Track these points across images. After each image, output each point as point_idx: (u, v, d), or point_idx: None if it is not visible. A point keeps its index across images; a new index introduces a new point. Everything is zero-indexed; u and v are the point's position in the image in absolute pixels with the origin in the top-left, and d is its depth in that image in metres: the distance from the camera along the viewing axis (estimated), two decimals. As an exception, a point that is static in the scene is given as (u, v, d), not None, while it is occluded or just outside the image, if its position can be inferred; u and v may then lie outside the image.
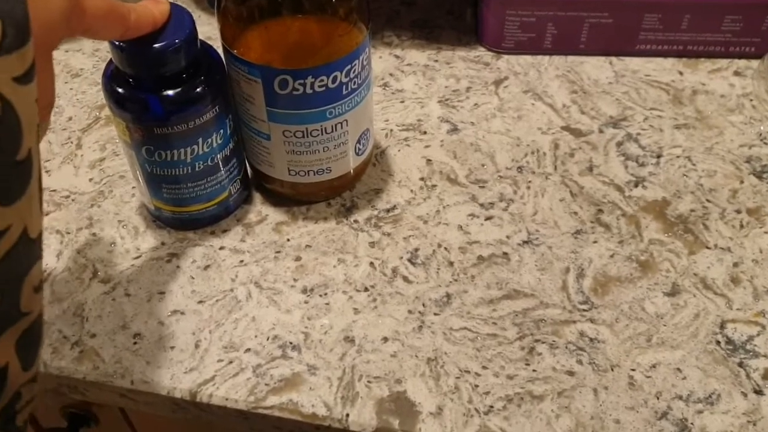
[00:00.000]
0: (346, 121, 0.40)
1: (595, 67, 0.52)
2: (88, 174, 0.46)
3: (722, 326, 0.38)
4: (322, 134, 0.40)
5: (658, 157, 0.46)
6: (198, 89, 0.37)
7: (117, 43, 0.35)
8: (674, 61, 0.52)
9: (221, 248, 0.42)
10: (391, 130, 0.48)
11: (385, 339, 0.38)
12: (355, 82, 0.39)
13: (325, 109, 0.39)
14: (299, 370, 0.37)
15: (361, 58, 0.38)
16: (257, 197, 0.45)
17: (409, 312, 0.39)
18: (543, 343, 0.37)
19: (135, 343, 0.38)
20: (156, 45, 0.35)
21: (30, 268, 0.23)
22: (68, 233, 0.43)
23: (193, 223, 0.43)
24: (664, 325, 0.38)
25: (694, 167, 0.45)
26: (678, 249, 0.41)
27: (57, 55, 0.54)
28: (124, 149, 0.40)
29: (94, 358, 0.38)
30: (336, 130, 0.40)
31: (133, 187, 0.45)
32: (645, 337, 0.37)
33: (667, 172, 0.45)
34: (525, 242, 0.42)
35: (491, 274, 0.40)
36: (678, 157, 0.46)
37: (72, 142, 0.48)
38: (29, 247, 0.22)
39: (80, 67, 0.53)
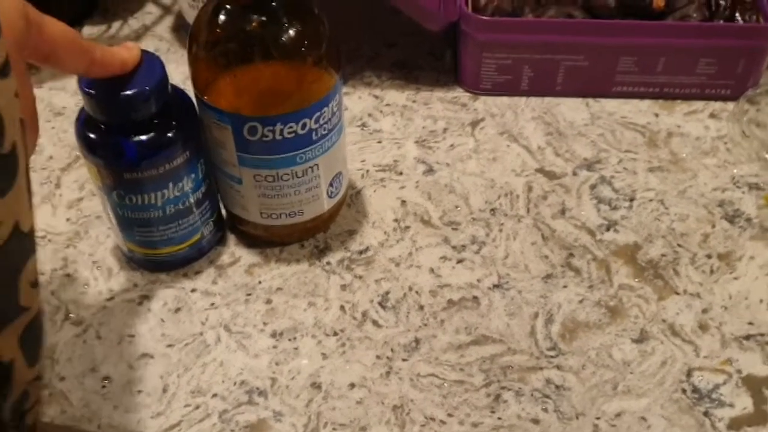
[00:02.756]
0: (317, 165, 0.40)
1: (571, 109, 0.52)
2: (65, 214, 0.47)
3: (689, 374, 0.38)
4: (293, 178, 0.40)
5: (631, 200, 0.46)
6: (169, 134, 0.38)
7: (87, 89, 0.36)
8: (650, 102, 0.52)
9: (193, 290, 0.42)
10: (368, 171, 0.49)
11: (352, 385, 0.38)
12: (325, 128, 0.39)
13: (295, 154, 0.39)
14: (265, 416, 0.37)
15: (331, 105, 0.39)
16: (231, 238, 0.45)
17: (377, 357, 0.39)
18: (509, 390, 0.37)
19: (104, 386, 0.38)
20: (126, 92, 0.36)
21: (25, 262, 0.23)
22: (42, 274, 0.43)
23: (165, 266, 0.43)
24: (631, 373, 0.38)
25: (667, 211, 0.45)
26: (647, 294, 0.41)
27: (40, 93, 0.55)
28: (97, 192, 0.40)
29: (62, 402, 0.38)
30: (307, 174, 0.40)
31: (109, 228, 0.45)
32: (611, 385, 0.37)
33: (640, 216, 0.45)
34: (495, 286, 0.42)
35: (461, 318, 0.40)
36: (651, 200, 0.46)
37: (51, 182, 0.49)
38: (22, 241, 0.23)
39: (63, 106, 0.54)
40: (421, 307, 0.41)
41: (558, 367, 0.38)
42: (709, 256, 0.43)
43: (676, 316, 0.40)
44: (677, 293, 0.41)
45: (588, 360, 0.38)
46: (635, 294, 0.41)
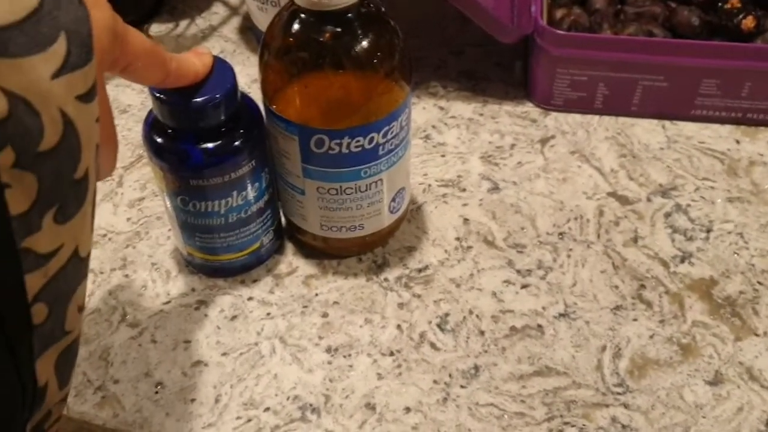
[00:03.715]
0: (381, 180, 0.39)
1: (647, 131, 0.50)
2: (126, 213, 0.47)
3: None
4: (356, 192, 0.39)
5: (708, 231, 0.44)
6: (236, 143, 0.37)
7: (157, 94, 0.35)
8: (731, 128, 0.50)
9: (250, 299, 0.42)
10: (429, 185, 0.47)
11: (408, 409, 0.36)
12: (392, 143, 0.38)
13: (360, 168, 0.38)
14: (317, 436, 0.36)
15: (399, 119, 0.37)
16: (289, 247, 0.44)
17: (435, 382, 0.37)
18: (572, 426, 0.36)
19: (156, 392, 0.38)
20: (196, 99, 0.35)
21: (77, 287, 0.23)
22: (102, 273, 0.43)
23: (224, 272, 0.42)
24: (704, 417, 0.36)
25: (746, 245, 0.43)
26: (723, 334, 0.39)
27: (106, 89, 0.55)
28: (161, 195, 0.40)
29: (115, 405, 0.37)
30: (370, 188, 0.39)
31: (169, 230, 0.45)
32: (682, 429, 0.35)
33: (717, 249, 0.43)
34: (561, 315, 0.40)
35: (523, 347, 0.39)
36: (729, 233, 0.44)
37: (114, 180, 0.49)
38: (78, 266, 0.23)
39: (128, 103, 0.54)
40: (482, 333, 0.39)
41: (625, 406, 0.36)
42: (791, 297, 0.40)
43: (754, 360, 0.38)
44: (756, 335, 0.39)
45: (657, 400, 0.36)
46: (710, 332, 0.39)
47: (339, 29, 0.35)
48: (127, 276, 0.43)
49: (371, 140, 0.37)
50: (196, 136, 0.36)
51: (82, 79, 0.21)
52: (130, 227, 0.46)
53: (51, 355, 0.23)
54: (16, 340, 0.21)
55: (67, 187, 0.21)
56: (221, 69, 0.36)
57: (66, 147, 0.21)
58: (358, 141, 0.37)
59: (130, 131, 0.52)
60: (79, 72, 0.21)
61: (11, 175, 0.19)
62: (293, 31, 0.35)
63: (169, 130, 0.37)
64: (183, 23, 0.60)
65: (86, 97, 0.22)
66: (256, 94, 0.39)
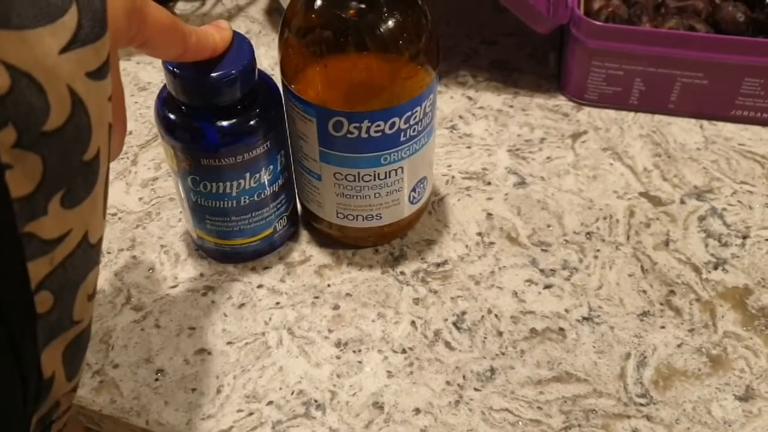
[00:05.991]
0: (402, 168, 0.37)
1: (684, 130, 0.47)
2: (138, 193, 0.45)
3: (801, 446, 0.33)
4: (374, 180, 0.37)
5: (744, 237, 0.41)
6: (251, 122, 0.36)
7: (171, 68, 0.34)
8: (774, 131, 0.47)
9: (259, 286, 0.40)
10: (453, 177, 0.45)
11: (417, 410, 0.35)
12: (414, 129, 0.36)
13: (379, 154, 0.36)
14: (321, 433, 0.34)
15: (423, 105, 0.36)
16: (304, 235, 0.43)
17: (447, 383, 0.36)
18: (591, 437, 0.34)
19: (156, 379, 0.36)
20: (211, 74, 0.33)
21: (87, 275, 0.22)
22: (109, 253, 0.42)
23: (235, 257, 0.41)
24: (733, 436, 0.33)
25: (786, 255, 0.40)
26: (756, 346, 0.37)
27: (127, 66, 0.54)
28: (172, 174, 0.39)
29: (113, 391, 0.36)
30: (390, 176, 0.37)
31: (181, 212, 0.44)
32: (709, 447, 0.33)
33: (753, 257, 0.40)
34: (585, 319, 0.38)
35: (543, 351, 0.37)
36: (767, 240, 0.41)
37: (128, 158, 0.47)
38: (88, 253, 0.21)
39: (148, 81, 0.53)
40: (500, 333, 0.37)
41: (648, 418, 0.34)
42: (833, 312, 0.38)
43: (789, 377, 0.35)
44: (793, 350, 0.36)
45: (683, 413, 0.34)
46: (742, 344, 0.37)
47: (363, 6, 0.33)
48: (134, 257, 0.42)
49: (392, 125, 0.35)
50: (211, 114, 0.35)
51: (94, 54, 0.20)
52: (141, 207, 0.44)
53: (58, 346, 0.21)
54: (17, 329, 0.20)
55: (75, 170, 0.20)
56: (240, 45, 0.35)
57: (74, 127, 0.19)
58: (379, 125, 0.35)
59: (148, 109, 0.51)
60: (90, 47, 0.20)
61: (12, 156, 0.18)
62: (316, 7, 0.34)
63: (183, 107, 0.35)
64: (209, 2, 0.59)
65: (97, 74, 0.20)
66: (278, 79, 0.37)
